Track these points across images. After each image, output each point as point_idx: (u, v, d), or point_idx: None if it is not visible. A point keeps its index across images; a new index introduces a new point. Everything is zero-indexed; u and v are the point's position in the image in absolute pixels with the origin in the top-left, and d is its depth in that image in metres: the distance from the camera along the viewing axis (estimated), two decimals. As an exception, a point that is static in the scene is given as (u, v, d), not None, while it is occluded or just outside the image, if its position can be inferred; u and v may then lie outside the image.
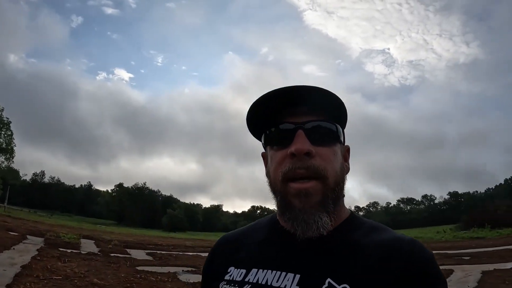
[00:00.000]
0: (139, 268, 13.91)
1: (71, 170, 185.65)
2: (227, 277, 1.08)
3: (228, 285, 1.05)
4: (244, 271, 1.06)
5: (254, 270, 1.04)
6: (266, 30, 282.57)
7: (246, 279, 1.03)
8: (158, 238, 40.46)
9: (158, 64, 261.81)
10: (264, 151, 1.20)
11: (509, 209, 45.68)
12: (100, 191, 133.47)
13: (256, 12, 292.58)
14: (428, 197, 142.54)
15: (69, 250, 16.62)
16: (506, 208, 46.61)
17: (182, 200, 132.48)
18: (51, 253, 14.66)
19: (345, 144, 1.16)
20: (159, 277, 12.08)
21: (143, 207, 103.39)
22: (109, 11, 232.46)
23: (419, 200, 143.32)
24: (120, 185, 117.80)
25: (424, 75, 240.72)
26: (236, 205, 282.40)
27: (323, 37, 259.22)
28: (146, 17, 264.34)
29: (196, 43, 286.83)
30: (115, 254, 17.57)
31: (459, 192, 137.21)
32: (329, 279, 0.93)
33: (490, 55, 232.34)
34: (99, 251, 18.21)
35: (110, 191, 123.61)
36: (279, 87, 1.05)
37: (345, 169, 1.11)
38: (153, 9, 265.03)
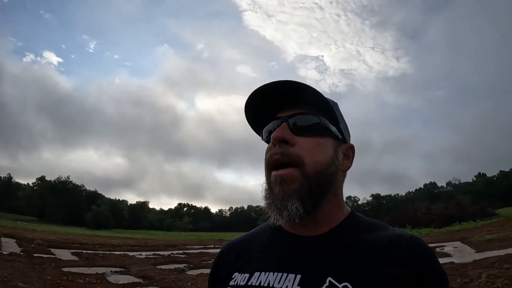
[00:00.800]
0: (65, 269, 13.45)
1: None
2: (231, 282, 1.10)
3: None
4: (247, 275, 1.08)
5: (256, 274, 1.06)
6: (204, 26, 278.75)
7: (249, 283, 1.05)
8: (83, 237, 38.85)
9: (90, 50, 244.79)
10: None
11: (427, 211, 48.45)
12: (21, 184, 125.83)
13: (196, 7, 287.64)
14: (352, 198, 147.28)
15: (-12, 251, 15.70)
16: (425, 210, 49.38)
17: (107, 196, 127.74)
18: (-31, 254, 13.84)
19: (349, 143, 1.21)
20: (87, 278, 11.79)
21: (66, 202, 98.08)
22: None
23: (344, 201, 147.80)
24: (42, 178, 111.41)
25: (354, 84, 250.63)
26: (163, 202, 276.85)
27: (260, 39, 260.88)
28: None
29: (131, 32, 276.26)
30: (39, 255, 16.79)
31: (381, 195, 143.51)
32: (330, 278, 0.95)
33: (417, 71, 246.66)
34: (21, 251, 17.33)
35: (31, 184, 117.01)
36: (270, 82, 1.09)
37: (340, 165, 1.13)
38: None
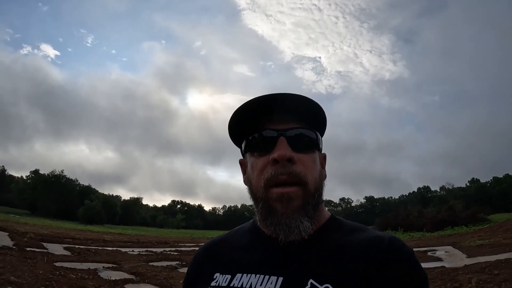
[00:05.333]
0: (57, 264, 13.28)
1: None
2: (213, 283, 1.10)
3: None
4: (229, 276, 1.08)
5: (238, 275, 1.07)
6: (202, 23, 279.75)
7: (231, 284, 1.05)
8: (75, 231, 38.61)
9: (88, 44, 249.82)
10: (242, 158, 1.23)
11: (420, 215, 48.39)
12: (14, 177, 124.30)
13: (194, 4, 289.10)
14: (346, 200, 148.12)
15: (-20, 244, 15.49)
16: (417, 213, 49.32)
17: (100, 191, 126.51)
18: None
19: (322, 152, 1.21)
20: (79, 274, 11.64)
21: (58, 197, 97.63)
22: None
23: (337, 202, 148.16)
24: (36, 172, 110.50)
25: (350, 86, 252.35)
26: (156, 199, 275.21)
27: (258, 38, 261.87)
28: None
29: (130, 28, 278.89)
30: (31, 249, 16.57)
31: (375, 197, 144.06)
32: (311, 280, 0.97)
33: (413, 76, 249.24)
34: (13, 245, 17.12)
35: (25, 177, 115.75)
36: (261, 95, 1.10)
37: (323, 176, 1.16)
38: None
